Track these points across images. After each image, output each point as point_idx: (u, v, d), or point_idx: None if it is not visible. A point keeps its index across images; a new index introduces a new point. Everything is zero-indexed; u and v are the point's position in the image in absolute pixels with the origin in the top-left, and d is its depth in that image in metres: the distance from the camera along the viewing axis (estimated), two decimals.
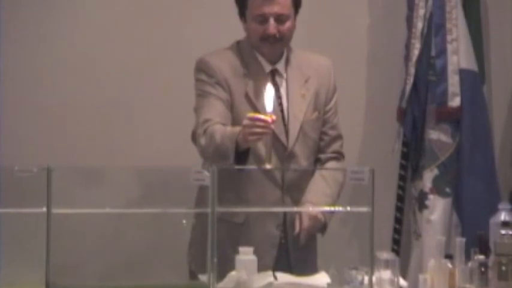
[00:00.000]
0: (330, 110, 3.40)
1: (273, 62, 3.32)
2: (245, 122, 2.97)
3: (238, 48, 3.36)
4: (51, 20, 4.24)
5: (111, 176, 3.90)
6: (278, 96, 3.29)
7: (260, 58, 3.32)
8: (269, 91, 2.92)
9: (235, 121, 3.18)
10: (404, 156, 4.38)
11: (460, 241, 2.94)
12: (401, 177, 4.39)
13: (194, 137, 3.22)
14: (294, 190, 3.29)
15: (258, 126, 2.91)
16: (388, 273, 2.80)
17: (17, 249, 2.95)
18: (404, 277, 3.22)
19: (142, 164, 4.06)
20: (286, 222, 3.29)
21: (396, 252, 4.25)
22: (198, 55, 3.35)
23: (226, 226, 3.13)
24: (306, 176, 3.32)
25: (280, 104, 3.30)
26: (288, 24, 3.26)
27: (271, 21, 3.22)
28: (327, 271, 2.87)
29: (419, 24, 4.26)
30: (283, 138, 3.26)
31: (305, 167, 3.31)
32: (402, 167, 4.40)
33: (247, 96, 3.24)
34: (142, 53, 4.19)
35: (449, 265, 2.89)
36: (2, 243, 3.06)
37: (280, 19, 3.24)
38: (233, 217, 3.22)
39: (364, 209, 2.76)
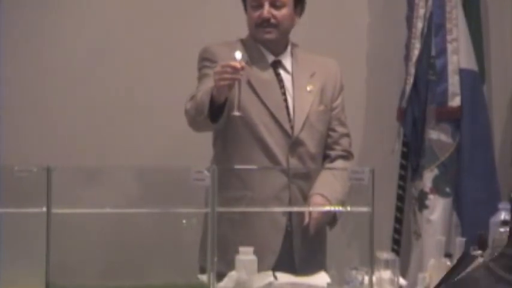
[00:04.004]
0: (337, 107, 3.44)
1: (276, 54, 3.37)
2: (215, 69, 3.05)
3: (242, 41, 3.40)
4: (51, 20, 4.27)
5: (111, 176, 3.91)
6: (282, 87, 3.35)
7: (263, 49, 3.36)
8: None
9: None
10: (405, 156, 4.42)
11: (460, 241, 2.96)
12: (401, 177, 4.43)
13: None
14: (300, 177, 3.33)
15: (228, 72, 2.98)
16: (388, 273, 2.82)
17: (17, 249, 2.96)
18: (404, 277, 3.24)
19: (142, 163, 4.08)
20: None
21: (396, 252, 4.27)
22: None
23: (233, 212, 3.23)
24: (313, 163, 3.37)
25: (284, 94, 3.34)
26: (283, 11, 3.31)
27: (266, 5, 3.29)
28: (327, 271, 2.91)
29: (419, 24, 4.29)
30: (287, 127, 3.30)
31: (311, 165, 3.35)
32: (402, 166, 4.43)
33: (249, 83, 3.28)
34: (143, 53, 4.21)
35: (449, 263, 2.89)
36: (2, 243, 3.06)
37: (275, 5, 3.30)
38: (240, 203, 3.27)
39: (364, 209, 2.79)
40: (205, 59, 3.34)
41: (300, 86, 3.37)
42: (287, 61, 3.40)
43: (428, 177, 4.28)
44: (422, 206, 4.31)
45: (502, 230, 2.78)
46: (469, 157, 4.30)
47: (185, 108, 3.23)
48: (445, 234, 4.05)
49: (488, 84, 4.48)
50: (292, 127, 3.32)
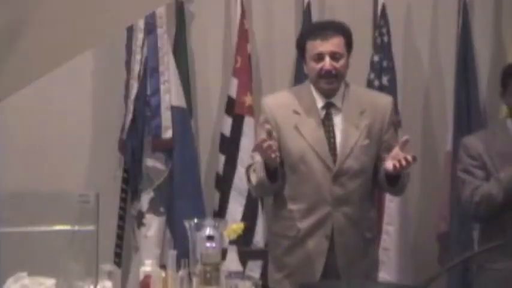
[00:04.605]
0: (387, 140, 3.60)
1: (329, 97, 3.57)
2: (255, 148, 3.41)
3: (299, 87, 3.77)
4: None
5: None
6: (331, 125, 3.56)
7: (315, 94, 3.59)
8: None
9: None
10: (125, 181, 4.65)
11: (172, 253, 3.16)
12: (123, 200, 4.67)
13: None
14: (343, 205, 3.52)
15: (265, 149, 3.29)
16: (110, 283, 3.02)
17: None
18: (125, 285, 3.64)
19: None
20: (333, 232, 3.52)
21: (118, 264, 4.51)
22: None
23: (279, 239, 3.60)
24: (354, 191, 3.54)
25: (333, 131, 3.55)
26: (341, 61, 3.53)
27: (327, 58, 3.50)
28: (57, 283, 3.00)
29: (136, 67, 4.57)
30: (329, 162, 3.51)
31: (353, 191, 3.52)
32: (123, 190, 4.66)
33: (296, 128, 3.54)
34: None
35: (163, 274, 3.11)
36: None
37: (334, 57, 3.51)
38: (286, 232, 3.58)
39: (90, 228, 2.88)
40: (267, 123, 3.56)
41: (348, 123, 3.54)
42: (339, 101, 3.58)
43: (145, 199, 4.57)
44: (140, 224, 4.57)
45: (207, 244, 3.05)
46: (179, 181, 4.60)
47: (250, 182, 3.56)
48: (159, 248, 4.48)
49: (195, 118, 4.81)
50: (334, 161, 3.50)
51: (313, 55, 3.52)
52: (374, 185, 3.61)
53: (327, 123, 3.56)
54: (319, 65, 3.52)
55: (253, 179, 3.52)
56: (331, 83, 3.53)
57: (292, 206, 3.57)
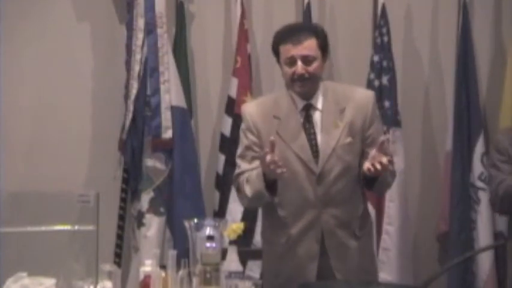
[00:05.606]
0: (369, 136, 3.52)
1: (307, 98, 3.51)
2: (263, 163, 3.29)
3: (277, 92, 3.72)
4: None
5: None
6: (312, 127, 3.51)
7: (294, 96, 3.53)
8: None
9: None
10: (125, 181, 4.69)
11: (172, 253, 3.12)
12: (122, 200, 4.70)
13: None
14: (331, 206, 3.47)
15: (275, 167, 3.26)
16: (110, 283, 3.01)
17: None
18: (124, 285, 3.64)
19: None
20: (324, 235, 3.47)
21: (118, 264, 4.54)
22: None
23: (271, 246, 3.58)
24: (340, 191, 3.48)
25: (314, 133, 3.49)
26: (314, 64, 3.47)
27: (299, 62, 3.44)
28: (57, 283, 3.04)
29: (136, 67, 4.59)
30: (312, 164, 3.46)
31: (338, 192, 3.46)
32: (123, 190, 4.70)
33: (277, 134, 3.45)
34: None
35: (163, 274, 3.08)
36: None
37: (307, 60, 3.45)
38: (277, 238, 3.53)
39: (90, 227, 2.93)
40: (249, 131, 3.57)
41: (328, 123, 3.49)
42: (318, 101, 3.53)
43: (145, 199, 4.58)
44: (140, 224, 4.58)
45: (207, 244, 3.03)
46: (179, 181, 4.61)
47: (244, 193, 3.47)
48: (159, 248, 4.41)
49: (195, 118, 4.85)
50: (316, 163, 3.45)
51: (285, 59, 3.49)
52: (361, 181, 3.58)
53: (307, 125, 3.51)
54: (292, 69, 3.47)
55: (248, 190, 3.45)
56: (304, 85, 3.48)
57: (280, 213, 3.52)
